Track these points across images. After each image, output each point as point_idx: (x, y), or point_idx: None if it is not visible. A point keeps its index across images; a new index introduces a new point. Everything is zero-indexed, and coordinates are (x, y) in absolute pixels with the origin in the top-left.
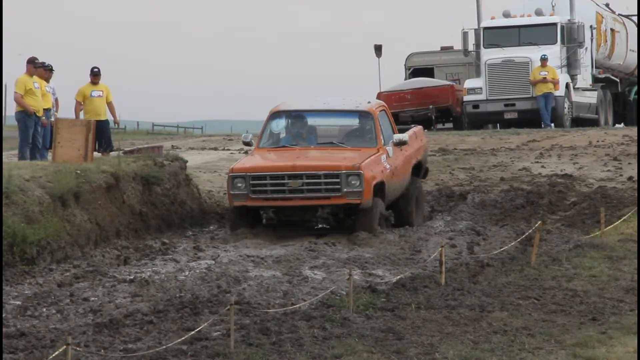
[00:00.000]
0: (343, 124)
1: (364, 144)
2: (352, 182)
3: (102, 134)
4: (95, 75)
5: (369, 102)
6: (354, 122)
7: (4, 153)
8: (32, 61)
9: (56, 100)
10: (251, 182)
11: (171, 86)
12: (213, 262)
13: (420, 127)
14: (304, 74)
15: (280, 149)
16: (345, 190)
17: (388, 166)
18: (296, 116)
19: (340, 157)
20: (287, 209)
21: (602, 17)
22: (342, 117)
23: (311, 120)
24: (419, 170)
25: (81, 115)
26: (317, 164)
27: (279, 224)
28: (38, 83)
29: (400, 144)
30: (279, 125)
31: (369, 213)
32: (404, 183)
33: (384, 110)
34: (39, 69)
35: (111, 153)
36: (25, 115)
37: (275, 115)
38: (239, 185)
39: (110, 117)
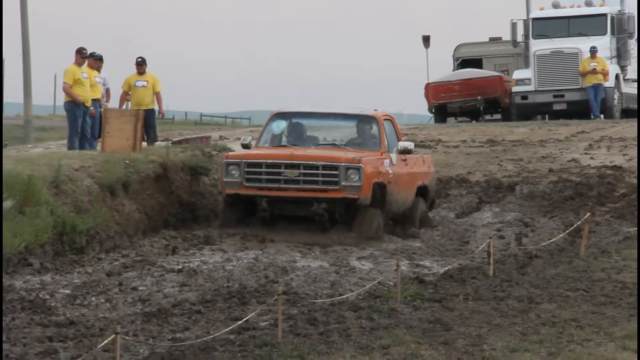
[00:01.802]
0: (346, 128)
1: (367, 148)
2: (351, 175)
3: (147, 124)
4: (139, 65)
5: (375, 110)
6: (358, 126)
7: (54, 143)
8: (79, 51)
9: (107, 90)
10: (246, 169)
11: (219, 76)
12: (260, 252)
13: (430, 155)
14: (351, 63)
15: (278, 148)
16: (343, 183)
17: (391, 171)
18: (298, 118)
19: (341, 152)
20: (281, 201)
21: None
22: (346, 121)
23: (314, 124)
24: (426, 196)
25: (128, 105)
26: (316, 154)
27: (272, 218)
28: (87, 73)
29: (406, 152)
30: (280, 126)
31: (368, 214)
32: (408, 198)
33: (389, 119)
34: (88, 58)
35: (156, 143)
36: (73, 105)
37: (276, 116)
38: (233, 172)
39: (156, 108)
